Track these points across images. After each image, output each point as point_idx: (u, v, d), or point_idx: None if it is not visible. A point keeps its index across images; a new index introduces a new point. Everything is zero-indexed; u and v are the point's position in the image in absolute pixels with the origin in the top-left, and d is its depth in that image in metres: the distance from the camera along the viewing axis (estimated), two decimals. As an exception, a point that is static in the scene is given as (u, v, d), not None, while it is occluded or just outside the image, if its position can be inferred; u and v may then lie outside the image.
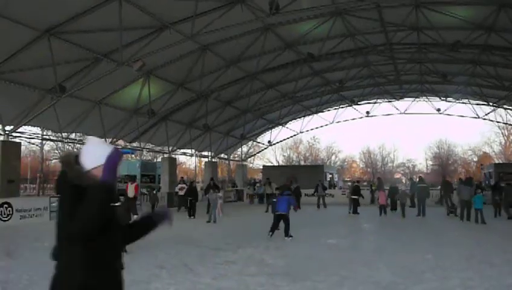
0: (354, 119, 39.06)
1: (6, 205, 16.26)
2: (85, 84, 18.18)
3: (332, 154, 76.00)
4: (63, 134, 23.07)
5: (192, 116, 28.04)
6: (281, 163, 67.22)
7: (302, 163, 67.42)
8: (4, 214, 16.06)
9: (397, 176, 76.81)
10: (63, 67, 17.28)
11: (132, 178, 19.47)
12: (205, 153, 35.31)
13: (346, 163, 79.31)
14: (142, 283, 7.49)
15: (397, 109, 37.30)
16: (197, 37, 17.39)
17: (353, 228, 16.81)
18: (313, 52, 21.73)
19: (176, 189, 25.47)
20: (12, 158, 19.10)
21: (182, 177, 22.25)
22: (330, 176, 41.67)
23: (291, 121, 38.83)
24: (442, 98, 33.90)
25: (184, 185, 24.15)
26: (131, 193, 16.96)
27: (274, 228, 12.94)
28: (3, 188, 18.22)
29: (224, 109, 29.03)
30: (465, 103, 33.86)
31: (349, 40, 22.21)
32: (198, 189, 26.60)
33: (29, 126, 20.91)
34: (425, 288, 7.25)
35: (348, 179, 58.97)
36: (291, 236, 12.56)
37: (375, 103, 36.60)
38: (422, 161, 77.55)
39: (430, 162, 74.57)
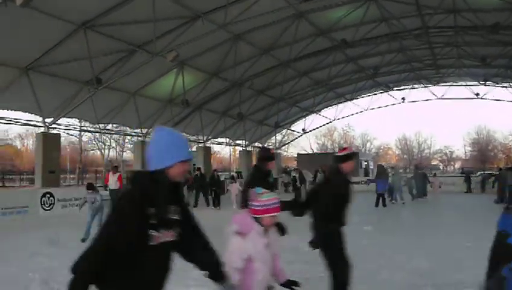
0: (389, 105, 38.46)
1: (48, 195, 16.79)
2: (120, 76, 18.51)
3: (367, 142, 75.33)
4: (100, 125, 23.58)
5: (227, 105, 28.15)
6: (315, 151, 66.94)
7: (337, 151, 66.94)
8: (46, 204, 16.58)
9: (434, 162, 75.50)
10: (99, 60, 17.60)
11: (116, 167, 18.79)
12: (239, 142, 35.45)
13: (381, 150, 78.45)
14: (182, 271, 7.56)
15: (434, 94, 36.47)
16: (229, 26, 17.45)
17: (388, 215, 16.62)
18: (347, 38, 21.46)
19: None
20: (52, 149, 19.67)
21: (199, 168, 22.08)
22: (366, 163, 41.19)
23: (325, 108, 38.51)
24: (481, 82, 32.90)
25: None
26: (113, 183, 16.40)
27: None
28: (44, 178, 18.84)
29: (257, 98, 29.03)
30: (506, 87, 32.80)
31: (384, 25, 21.79)
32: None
33: (68, 118, 21.41)
34: (465, 276, 7.11)
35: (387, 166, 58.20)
36: None
37: (411, 88, 35.87)
38: (460, 147, 75.96)
39: (468, 148, 72.95)
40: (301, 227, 11.67)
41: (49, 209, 16.55)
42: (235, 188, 19.40)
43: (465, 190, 27.17)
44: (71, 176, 50.31)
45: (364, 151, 64.30)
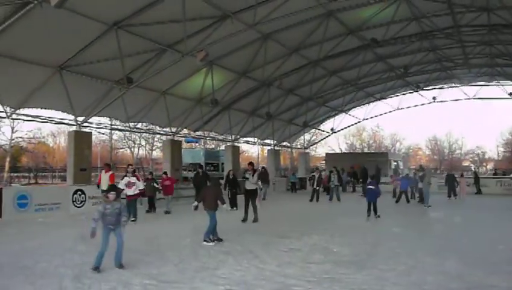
0: (419, 105, 37.84)
1: (79, 192, 17.08)
2: (151, 75, 18.68)
3: (396, 142, 74.49)
4: (130, 124, 23.89)
5: (255, 105, 28.18)
6: (344, 150, 66.45)
7: (366, 150, 66.34)
8: (78, 201, 16.86)
9: (465, 163, 74.06)
10: (130, 59, 17.79)
11: (108, 165, 16.87)
12: (268, 141, 35.44)
13: (411, 150, 77.38)
14: (210, 269, 7.66)
15: (465, 94, 35.63)
16: (258, 25, 17.42)
17: (418, 217, 16.34)
18: (377, 37, 21.19)
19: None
20: (84, 147, 20.02)
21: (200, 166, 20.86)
22: (395, 163, 40.67)
23: (354, 108, 38.14)
24: (515, 82, 32.05)
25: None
26: (105, 183, 14.34)
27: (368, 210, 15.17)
28: (76, 176, 19.20)
29: (286, 97, 28.96)
30: (541, 87, 31.88)
31: (415, 23, 21.43)
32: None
33: (99, 116, 21.75)
34: (499, 280, 6.94)
35: (414, 167, 57.45)
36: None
37: (441, 88, 35.19)
38: (492, 148, 74.27)
39: (501, 149, 71.27)
40: (331, 228, 11.56)
41: (80, 207, 16.83)
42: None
43: (498, 192, 26.55)
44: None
45: (393, 152, 63.46)
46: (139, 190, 14.23)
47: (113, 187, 8.29)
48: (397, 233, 12.13)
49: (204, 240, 10.08)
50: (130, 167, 15.12)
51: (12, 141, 47.22)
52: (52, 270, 7.59)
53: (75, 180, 18.85)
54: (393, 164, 39.88)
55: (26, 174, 43.53)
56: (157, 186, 17.79)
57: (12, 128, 45.63)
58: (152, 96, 22.14)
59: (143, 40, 17.50)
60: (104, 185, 14.36)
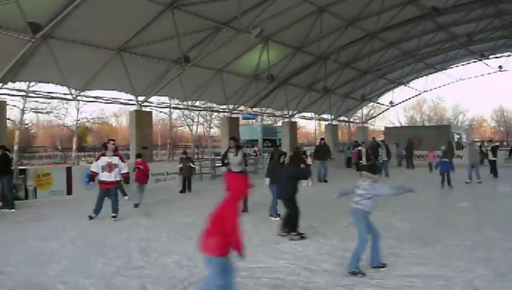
0: (484, 75, 36.17)
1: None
2: (207, 54, 18.86)
3: (459, 114, 71.75)
4: (188, 102, 24.29)
5: (311, 79, 27.88)
6: (403, 124, 64.82)
7: (426, 123, 64.42)
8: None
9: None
10: (186, 38, 18.01)
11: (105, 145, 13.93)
12: (325, 116, 35.10)
13: (475, 122, 74.37)
14: (271, 244, 7.75)
15: (535, 61, 33.70)
16: (314, -2, 17.15)
17: (484, 191, 15.74)
18: (437, 5, 20.29)
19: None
20: (145, 126, 20.64)
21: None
22: (458, 136, 39.24)
23: (414, 80, 36.98)
24: None
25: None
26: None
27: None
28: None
29: (343, 71, 28.45)
30: None
31: (479, -12, 20.38)
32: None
33: (158, 96, 22.25)
34: None
35: (478, 140, 55.32)
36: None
37: (508, 56, 33.39)
38: None
39: None
40: (392, 203, 11.36)
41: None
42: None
43: None
44: (162, 151, 52.41)
45: (456, 124, 61.25)
46: (122, 174, 10.71)
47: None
48: (462, 208, 11.78)
49: (271, 215, 10.19)
50: (112, 142, 11.01)
51: (78, 122, 49.26)
52: (120, 243, 7.93)
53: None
54: (456, 136, 38.51)
55: (92, 153, 45.37)
56: (193, 166, 17.03)
57: (78, 109, 47.56)
58: (209, 74, 22.36)
59: (198, 18, 17.62)
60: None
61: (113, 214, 10.34)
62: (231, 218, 4.35)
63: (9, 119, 31.29)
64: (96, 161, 10.78)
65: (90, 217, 10.14)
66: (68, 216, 10.99)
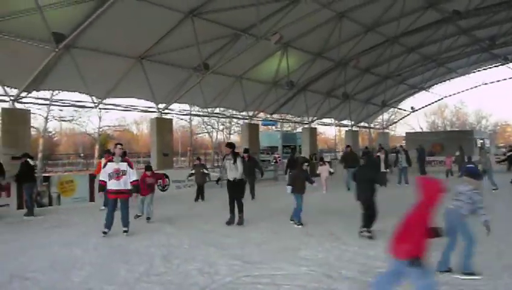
0: (507, 79, 35.60)
1: (164, 176, 17.79)
2: (226, 61, 18.96)
3: (482, 119, 70.67)
4: (208, 109, 24.42)
5: (331, 85, 27.79)
6: (424, 129, 64.15)
7: (448, 128, 63.64)
8: (162, 185, 17.58)
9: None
10: (206, 46, 18.13)
11: (107, 151, 12.82)
12: (345, 122, 34.93)
13: (498, 127, 73.17)
14: (292, 250, 7.74)
15: (560, 64, 33.04)
16: (333, 4, 17.14)
17: (496, 200, 15.36)
18: (459, 8, 20.07)
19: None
20: (165, 133, 20.83)
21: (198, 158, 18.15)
22: (481, 141, 38.68)
23: (435, 84, 36.58)
24: None
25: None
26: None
27: None
28: (159, 161, 20.02)
29: (363, 76, 28.30)
30: None
31: (502, -10, 20.10)
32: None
33: (179, 103, 22.43)
34: None
35: (502, 145, 54.42)
36: None
37: (533, 59, 32.83)
38: None
39: None
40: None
41: (165, 190, 17.53)
42: (325, 171, 17.96)
43: None
44: (182, 158, 52.72)
45: (479, 129, 60.38)
46: (132, 182, 9.56)
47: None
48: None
49: (292, 220, 10.16)
50: (119, 146, 9.87)
51: (100, 129, 49.92)
52: (142, 250, 8.00)
53: (158, 165, 19.65)
54: (479, 142, 37.95)
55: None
56: (207, 172, 16.12)
57: (100, 117, 48.23)
58: (228, 81, 22.47)
59: (218, 26, 17.73)
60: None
61: (125, 229, 9.39)
62: (423, 223, 4.31)
63: (33, 127, 31.87)
64: (104, 167, 9.65)
65: (104, 233, 9.22)
66: (91, 223, 11.12)
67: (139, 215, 11.39)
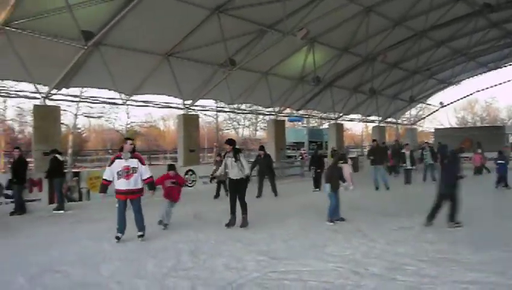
0: (541, 73, 34.69)
1: (190, 172, 17.97)
2: (253, 56, 18.97)
3: (514, 114, 69.01)
4: (234, 105, 24.47)
5: (358, 81, 27.54)
6: (454, 125, 63.01)
7: (478, 124, 62.37)
8: (189, 180, 17.72)
9: None
10: (232, 42, 18.14)
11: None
12: (372, 118, 34.57)
13: (531, 123, 71.35)
14: (318, 246, 7.70)
15: None
16: (360, -1, 16.96)
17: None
18: (490, 1, 19.60)
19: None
20: (192, 130, 20.96)
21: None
22: (514, 137, 37.76)
23: (465, 79, 35.82)
24: None
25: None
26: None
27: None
28: (186, 157, 20.18)
29: (391, 72, 27.92)
30: None
31: (535, -18, 19.55)
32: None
33: (205, 99, 22.55)
34: None
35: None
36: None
37: None
38: None
39: None
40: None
41: (191, 186, 17.66)
42: (347, 169, 16.99)
43: None
44: (208, 154, 52.92)
45: (511, 125, 58.98)
46: (145, 180, 8.61)
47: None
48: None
49: (330, 221, 9.90)
50: (129, 141, 8.73)
51: (127, 126, 50.58)
52: (170, 244, 8.08)
53: (185, 161, 19.79)
54: (511, 137, 37.07)
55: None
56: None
57: (127, 114, 48.86)
58: (255, 77, 22.46)
59: (244, 22, 17.73)
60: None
61: (140, 233, 8.57)
62: None
63: (63, 123, 32.47)
64: (110, 165, 8.53)
65: (118, 238, 8.43)
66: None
67: (166, 225, 9.84)
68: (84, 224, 10.67)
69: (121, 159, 8.45)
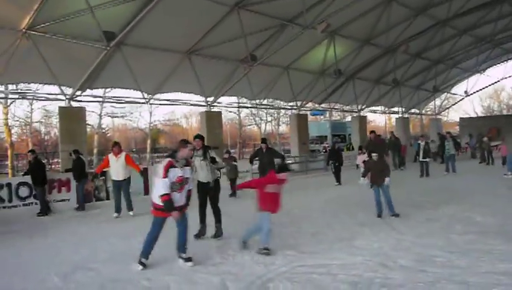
0: None
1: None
2: (273, 51, 18.94)
3: (543, 101, 67.46)
4: (256, 100, 24.50)
5: (380, 73, 27.32)
6: (479, 114, 61.90)
7: (505, 112, 61.13)
8: (213, 177, 17.72)
9: None
10: (252, 37, 18.18)
11: (116, 144, 11.89)
12: (395, 109, 34.23)
13: (560, 111, 69.66)
14: (346, 240, 7.67)
15: None
16: (381, -12, 16.79)
17: None
18: (515, -14, 19.25)
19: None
20: (215, 126, 21.06)
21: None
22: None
23: (490, 67, 35.19)
24: None
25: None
26: (119, 171, 11.45)
27: None
28: (210, 154, 20.24)
29: (413, 62, 27.59)
30: None
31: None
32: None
33: (227, 96, 22.62)
34: None
35: None
36: None
37: None
38: None
39: None
40: (468, 197, 10.91)
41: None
42: (361, 160, 15.83)
43: None
44: (232, 150, 53.12)
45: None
46: (189, 191, 6.96)
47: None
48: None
49: (394, 215, 9.49)
50: (190, 145, 7.04)
51: (151, 124, 51.03)
52: (198, 241, 8.14)
53: (210, 158, 19.89)
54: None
55: (165, 154, 46.93)
56: (236, 163, 15.24)
57: (150, 112, 49.28)
58: (275, 72, 22.45)
59: (263, 17, 17.72)
60: (117, 174, 11.53)
61: (184, 256, 6.84)
62: None
63: (88, 124, 32.93)
64: (165, 176, 6.52)
65: (143, 265, 6.62)
66: (147, 215, 11.31)
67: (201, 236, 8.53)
68: (112, 223, 10.84)
69: (176, 167, 6.64)
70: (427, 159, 18.28)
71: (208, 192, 8.47)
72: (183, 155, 6.76)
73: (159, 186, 6.53)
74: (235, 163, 15.30)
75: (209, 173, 8.37)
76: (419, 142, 19.11)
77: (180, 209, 6.73)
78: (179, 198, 6.69)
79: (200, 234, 8.35)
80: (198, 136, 8.65)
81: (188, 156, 6.92)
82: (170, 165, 6.61)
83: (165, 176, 6.51)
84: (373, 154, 10.26)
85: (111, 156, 11.52)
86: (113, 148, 11.73)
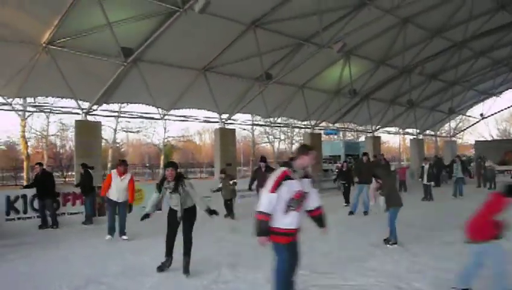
0: None
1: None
2: (289, 70, 19.01)
3: (558, 125, 66.58)
4: (270, 119, 24.53)
5: (395, 93, 27.22)
6: (495, 137, 61.27)
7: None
8: (227, 194, 17.66)
9: None
10: (268, 56, 18.24)
11: (123, 162, 11.05)
12: (410, 131, 34.04)
13: None
14: (359, 261, 7.58)
15: None
16: (397, 10, 16.82)
17: None
18: (533, 9, 19.15)
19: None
20: (229, 144, 21.11)
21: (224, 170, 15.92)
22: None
23: (507, 90, 34.87)
24: None
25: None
26: (120, 192, 10.48)
27: None
28: (223, 171, 20.27)
29: (429, 83, 27.47)
30: None
31: None
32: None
33: (241, 113, 22.70)
34: None
35: None
36: None
37: None
38: None
39: None
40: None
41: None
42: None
43: None
44: (244, 168, 53.11)
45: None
46: (313, 210, 5.47)
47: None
48: None
49: (387, 243, 9.07)
50: (312, 152, 5.34)
51: (165, 140, 51.32)
52: (210, 258, 8.11)
53: (223, 175, 19.89)
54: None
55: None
56: (232, 183, 14.35)
57: (165, 128, 49.62)
58: (290, 91, 22.50)
59: (280, 36, 17.82)
60: (117, 195, 10.50)
61: None
62: None
63: (103, 138, 33.24)
64: (274, 190, 5.03)
65: None
66: (159, 231, 11.32)
67: None
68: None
69: (292, 179, 5.07)
70: (431, 183, 18.15)
71: (178, 221, 7.36)
72: (303, 164, 5.18)
73: (261, 201, 5.11)
74: (231, 183, 14.33)
75: (179, 203, 7.30)
76: (424, 165, 19.02)
77: (292, 235, 5.19)
78: (297, 219, 5.17)
79: (163, 266, 7.34)
80: (171, 165, 7.52)
81: (308, 165, 5.27)
82: (285, 177, 5.05)
83: (274, 190, 5.00)
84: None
85: (114, 175, 10.46)
86: (118, 166, 10.67)
